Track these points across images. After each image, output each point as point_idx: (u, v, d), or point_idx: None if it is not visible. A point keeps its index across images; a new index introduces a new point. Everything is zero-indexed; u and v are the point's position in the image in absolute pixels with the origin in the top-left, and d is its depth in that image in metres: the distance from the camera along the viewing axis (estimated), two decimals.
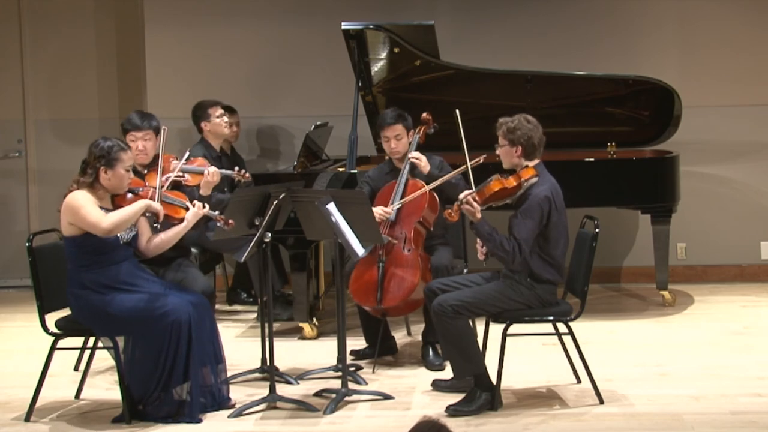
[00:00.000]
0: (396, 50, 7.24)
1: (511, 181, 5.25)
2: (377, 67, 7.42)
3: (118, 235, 5.19)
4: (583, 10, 8.37)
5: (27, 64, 8.91)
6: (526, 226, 5.21)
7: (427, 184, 6.10)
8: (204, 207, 5.43)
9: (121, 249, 5.22)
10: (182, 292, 5.33)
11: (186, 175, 5.82)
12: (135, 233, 5.31)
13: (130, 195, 5.31)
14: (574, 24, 8.35)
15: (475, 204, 5.19)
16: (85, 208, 5.10)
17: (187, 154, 5.90)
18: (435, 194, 6.13)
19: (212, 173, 5.89)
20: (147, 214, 5.35)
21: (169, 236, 5.39)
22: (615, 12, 8.38)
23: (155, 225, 5.41)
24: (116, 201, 5.28)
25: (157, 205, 5.28)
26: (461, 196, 5.22)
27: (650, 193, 7.30)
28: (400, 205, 6.09)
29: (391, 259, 6.02)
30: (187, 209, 5.42)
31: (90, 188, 5.17)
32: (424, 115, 6.38)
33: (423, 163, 6.17)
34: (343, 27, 7.09)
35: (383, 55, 7.34)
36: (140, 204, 5.23)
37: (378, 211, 6.02)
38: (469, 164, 5.42)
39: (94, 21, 8.89)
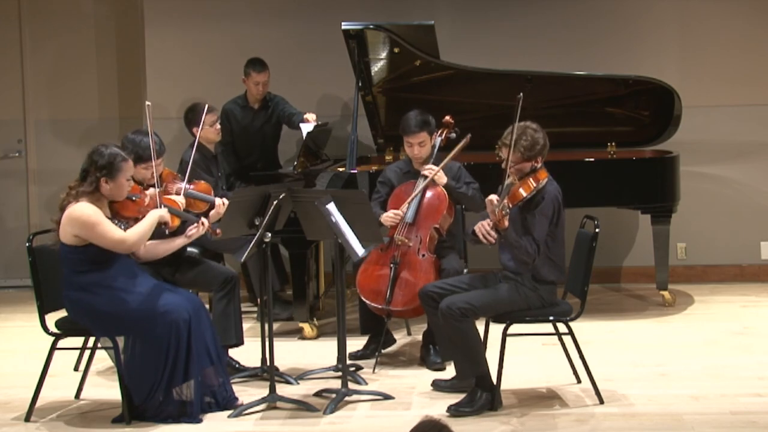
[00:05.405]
0: (396, 50, 7.23)
1: (533, 183, 5.22)
2: (377, 67, 7.41)
3: None
4: (583, 10, 8.36)
5: (27, 64, 8.91)
6: (542, 225, 5.23)
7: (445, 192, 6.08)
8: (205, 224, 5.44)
9: (120, 254, 5.19)
10: (179, 291, 5.30)
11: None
12: None
13: (130, 200, 5.28)
14: (574, 24, 8.34)
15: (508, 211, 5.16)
16: (102, 225, 5.06)
17: (188, 174, 5.70)
18: (452, 202, 6.12)
19: (222, 204, 5.67)
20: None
21: (166, 247, 5.41)
22: (615, 12, 8.37)
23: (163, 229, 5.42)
24: (114, 207, 5.23)
25: (167, 215, 5.29)
26: (496, 201, 5.11)
27: (650, 193, 7.29)
28: (413, 206, 6.05)
29: (405, 262, 6.01)
30: (184, 218, 5.45)
31: (90, 196, 5.13)
32: (447, 118, 6.31)
33: (438, 175, 6.10)
34: (343, 27, 7.09)
35: (383, 55, 7.33)
36: (155, 215, 5.23)
37: (389, 214, 6.02)
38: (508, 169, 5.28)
39: (94, 21, 8.88)
